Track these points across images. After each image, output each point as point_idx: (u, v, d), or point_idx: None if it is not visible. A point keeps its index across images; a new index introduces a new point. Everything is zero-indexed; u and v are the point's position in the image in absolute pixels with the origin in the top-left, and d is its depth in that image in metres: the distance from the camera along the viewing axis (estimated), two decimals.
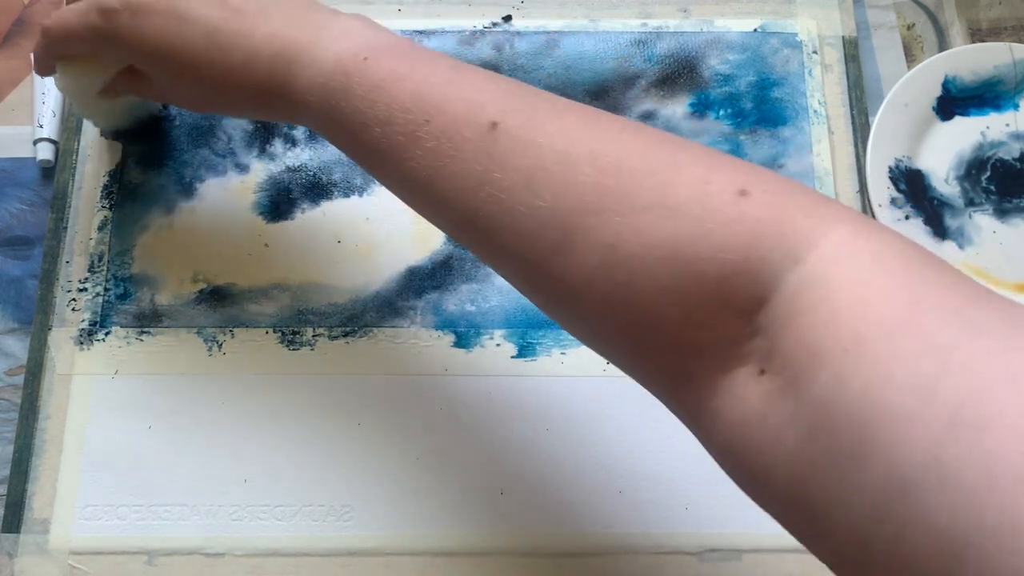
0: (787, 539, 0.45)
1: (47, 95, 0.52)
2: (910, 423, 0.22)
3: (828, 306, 0.25)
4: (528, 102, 0.33)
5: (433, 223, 0.36)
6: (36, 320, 0.48)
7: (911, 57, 0.55)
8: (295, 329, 0.47)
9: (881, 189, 0.50)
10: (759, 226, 0.27)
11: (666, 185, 0.29)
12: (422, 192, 0.34)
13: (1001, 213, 0.50)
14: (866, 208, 0.50)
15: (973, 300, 0.24)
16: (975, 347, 0.22)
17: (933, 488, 0.21)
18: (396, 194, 0.36)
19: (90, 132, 0.51)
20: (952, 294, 0.24)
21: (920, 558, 0.21)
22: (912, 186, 0.50)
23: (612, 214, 0.29)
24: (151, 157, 0.51)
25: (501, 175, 0.31)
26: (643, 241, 0.28)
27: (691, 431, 0.32)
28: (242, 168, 0.51)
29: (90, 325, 0.47)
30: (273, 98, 0.37)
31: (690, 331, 0.28)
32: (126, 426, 0.46)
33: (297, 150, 0.51)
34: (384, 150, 0.34)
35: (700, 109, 0.52)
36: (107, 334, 0.47)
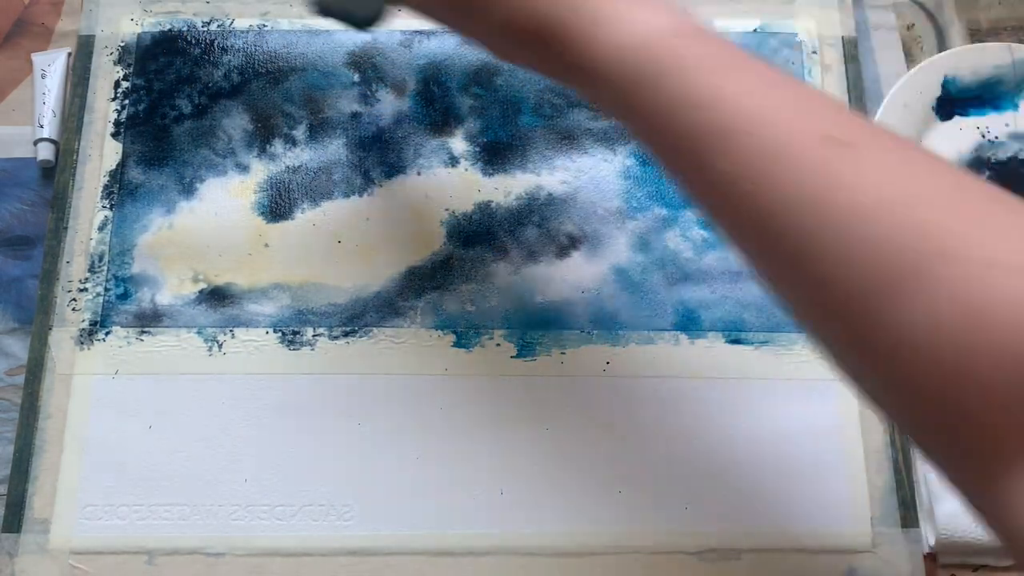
0: (788, 539, 0.45)
1: (47, 95, 0.52)
2: None
3: None
4: (867, 122, 0.30)
5: (728, 234, 0.31)
6: (36, 320, 0.48)
7: (911, 57, 0.55)
8: (295, 329, 0.47)
9: None
10: None
11: (1016, 238, 0.26)
12: (725, 194, 0.30)
13: None
14: None
15: None
16: None
17: None
18: (688, 191, 0.32)
19: (90, 132, 0.51)
20: None
21: None
22: None
23: (965, 262, 0.26)
24: (151, 157, 0.51)
25: (834, 195, 0.28)
26: (998, 296, 0.25)
27: (978, 509, 0.28)
28: (242, 168, 0.51)
29: (90, 325, 0.47)
30: (554, 46, 0.33)
31: (1018, 400, 0.25)
32: (126, 426, 0.46)
33: (297, 150, 0.51)
34: (689, 139, 0.30)
35: None
36: (107, 334, 0.47)
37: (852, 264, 0.27)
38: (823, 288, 0.28)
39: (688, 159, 0.31)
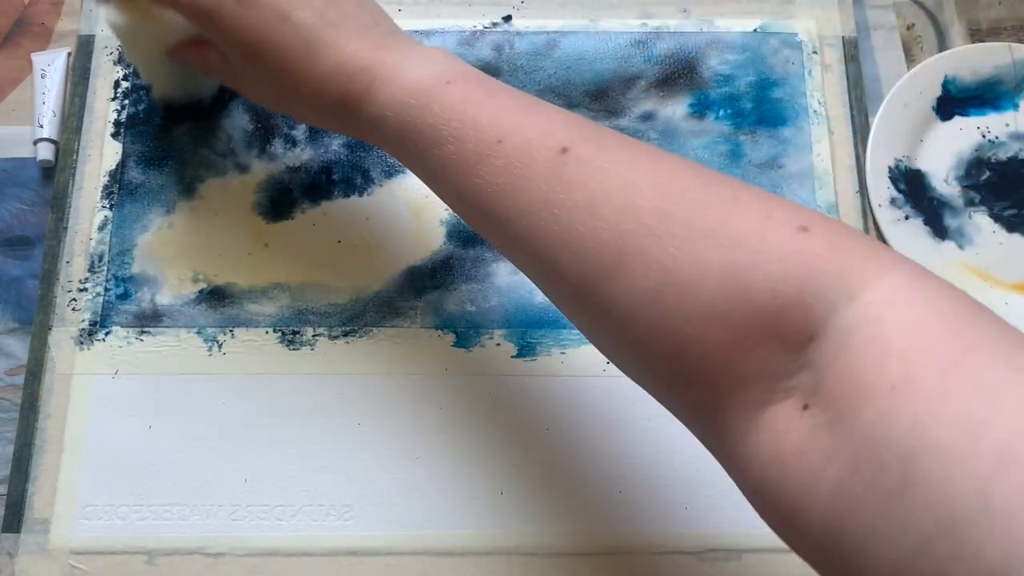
0: None
1: (47, 95, 0.52)
2: (959, 459, 0.22)
3: (879, 345, 0.26)
4: (597, 133, 0.34)
5: (490, 239, 0.37)
6: (36, 320, 0.48)
7: (911, 57, 0.55)
8: (295, 329, 0.47)
9: (881, 189, 0.50)
10: (817, 262, 0.28)
11: (727, 215, 0.30)
12: (485, 208, 0.35)
13: (1000, 213, 0.50)
14: (866, 208, 0.50)
15: (1023, 347, 0.25)
16: None
17: (981, 524, 0.21)
18: (457, 209, 0.38)
19: (90, 132, 0.51)
20: (1003, 340, 0.25)
21: None
22: (912, 186, 0.50)
23: (670, 238, 0.30)
24: (151, 157, 0.51)
25: (565, 196, 0.32)
26: (699, 267, 0.29)
27: (723, 465, 0.32)
28: (242, 168, 0.51)
29: (90, 325, 0.47)
30: (348, 110, 0.38)
31: (737, 361, 0.29)
32: (126, 426, 0.46)
33: (297, 150, 0.51)
34: (453, 164, 0.35)
35: (700, 109, 0.52)
36: (107, 334, 0.47)
37: (578, 251, 0.32)
38: (560, 277, 0.33)
39: (453, 184, 0.36)
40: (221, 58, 0.42)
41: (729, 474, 0.31)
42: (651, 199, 0.31)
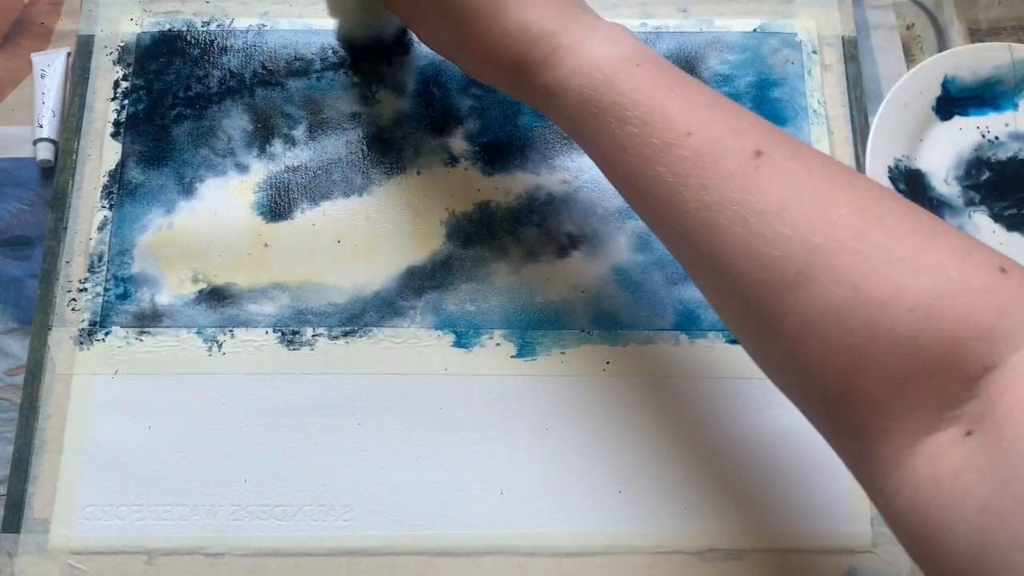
0: (788, 539, 0.45)
1: (47, 95, 0.52)
2: None
3: None
4: (792, 141, 0.34)
5: (656, 230, 0.36)
6: (36, 320, 0.48)
7: (911, 57, 0.55)
8: (295, 329, 0.47)
9: None
10: (1012, 302, 0.28)
11: (926, 245, 0.29)
12: (662, 198, 0.34)
13: (1000, 213, 0.50)
14: None
15: None
16: None
17: None
18: (626, 193, 0.37)
19: (90, 132, 0.51)
20: None
21: None
22: (912, 186, 0.50)
23: (865, 258, 0.29)
24: (151, 157, 0.51)
25: (755, 199, 0.31)
26: (892, 291, 0.29)
27: (868, 488, 0.32)
28: (242, 168, 0.51)
29: (90, 325, 0.47)
30: (525, 74, 0.38)
31: (912, 386, 0.29)
32: (126, 426, 0.46)
33: (297, 150, 0.51)
34: (635, 148, 0.34)
35: None
36: (107, 334, 0.47)
37: (760, 258, 0.31)
38: (734, 281, 0.32)
39: (629, 169, 0.35)
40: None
41: (872, 497, 0.31)
42: (847, 216, 0.30)
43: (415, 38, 0.52)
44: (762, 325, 0.32)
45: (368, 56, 0.52)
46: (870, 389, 0.29)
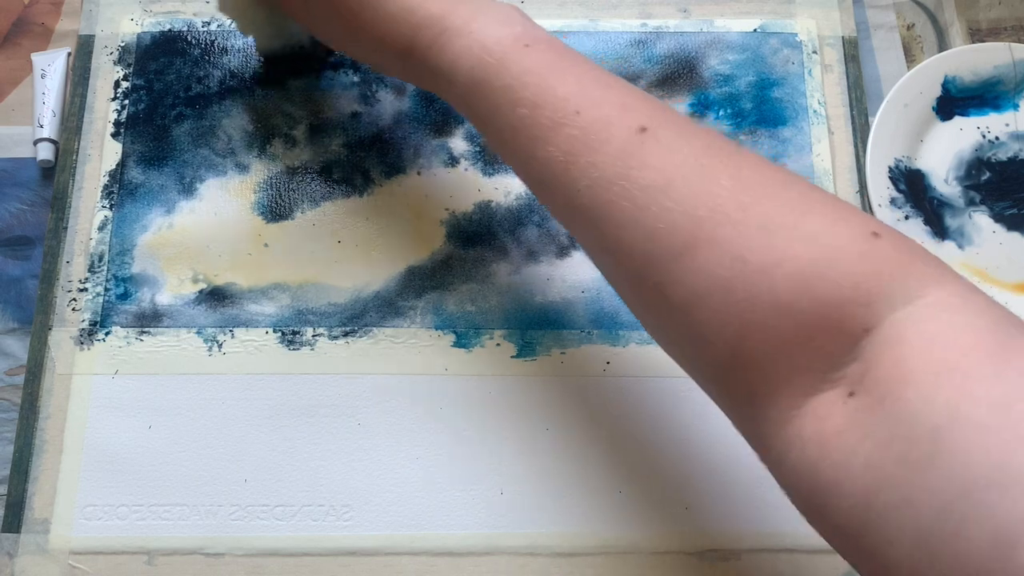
0: (787, 539, 0.45)
1: (47, 95, 0.52)
2: (984, 432, 0.24)
3: (929, 340, 0.28)
4: (675, 115, 0.34)
5: (551, 208, 0.37)
6: (36, 320, 0.48)
7: (911, 57, 0.55)
8: (295, 329, 0.47)
9: (881, 189, 0.50)
10: (886, 264, 0.29)
11: (804, 213, 0.31)
12: (553, 176, 0.35)
13: (1001, 213, 0.50)
14: (866, 208, 0.50)
15: None
16: None
17: (998, 489, 0.23)
18: (522, 175, 0.38)
19: (90, 132, 0.51)
20: None
21: (975, 550, 0.23)
22: (912, 186, 0.50)
23: (746, 228, 0.30)
24: (151, 157, 0.51)
25: (640, 174, 0.32)
26: (772, 258, 0.30)
27: (759, 452, 0.33)
28: (242, 168, 0.51)
29: (90, 325, 0.47)
30: (415, 58, 0.39)
31: (796, 350, 0.30)
32: (126, 426, 0.46)
33: (297, 150, 0.51)
34: (526, 129, 0.35)
35: (700, 109, 0.52)
36: (107, 334, 0.47)
37: (647, 231, 0.32)
38: (624, 254, 0.33)
39: (521, 149, 0.36)
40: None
41: (764, 459, 0.32)
42: (729, 188, 0.31)
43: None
44: (653, 297, 0.33)
45: (288, 67, 0.52)
46: (756, 354, 0.30)
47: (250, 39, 0.52)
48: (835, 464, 0.28)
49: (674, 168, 0.32)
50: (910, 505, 0.25)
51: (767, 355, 0.30)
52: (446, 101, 0.40)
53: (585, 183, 0.33)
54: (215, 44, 0.53)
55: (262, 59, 0.52)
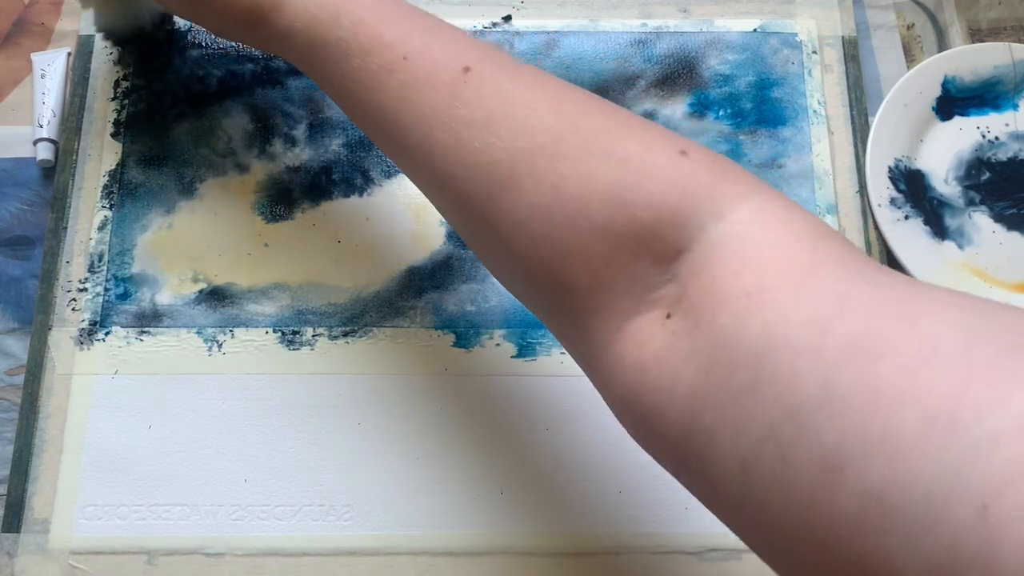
0: None
1: (47, 95, 0.52)
2: (805, 354, 0.24)
3: (739, 258, 0.28)
4: (500, 55, 0.36)
5: (389, 155, 0.38)
6: (36, 320, 0.48)
7: (911, 57, 0.55)
8: (295, 329, 0.47)
9: (881, 189, 0.50)
10: (692, 183, 0.30)
11: (617, 140, 0.32)
12: (386, 122, 0.36)
13: (1001, 213, 0.50)
14: (866, 208, 0.50)
15: (871, 264, 0.27)
16: (872, 296, 0.25)
17: (822, 411, 0.23)
18: (362, 126, 0.39)
19: (90, 132, 0.51)
20: (850, 257, 0.27)
21: (803, 474, 0.23)
22: (912, 186, 0.50)
23: (562, 158, 0.31)
24: (151, 157, 0.51)
25: (464, 112, 0.33)
26: (587, 185, 0.31)
27: (590, 377, 0.34)
28: (242, 168, 0.51)
29: (90, 325, 0.47)
30: (256, 21, 0.40)
31: (612, 272, 0.30)
32: (126, 426, 0.46)
33: (297, 150, 0.51)
34: (360, 79, 0.36)
35: (700, 109, 0.52)
36: (107, 334, 0.47)
37: (472, 167, 0.33)
38: (453, 191, 0.34)
39: (355, 96, 0.37)
40: None
41: (595, 385, 0.33)
42: (548, 121, 0.32)
43: (178, 22, 0.53)
44: (479, 228, 0.34)
45: (134, 45, 0.53)
46: (576, 277, 0.31)
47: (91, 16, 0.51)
48: (657, 388, 0.29)
49: (496, 104, 0.33)
50: (734, 430, 0.25)
51: (585, 279, 0.31)
52: (291, 62, 0.41)
53: (412, 124, 0.35)
54: (215, 44, 0.53)
55: (104, 39, 0.52)
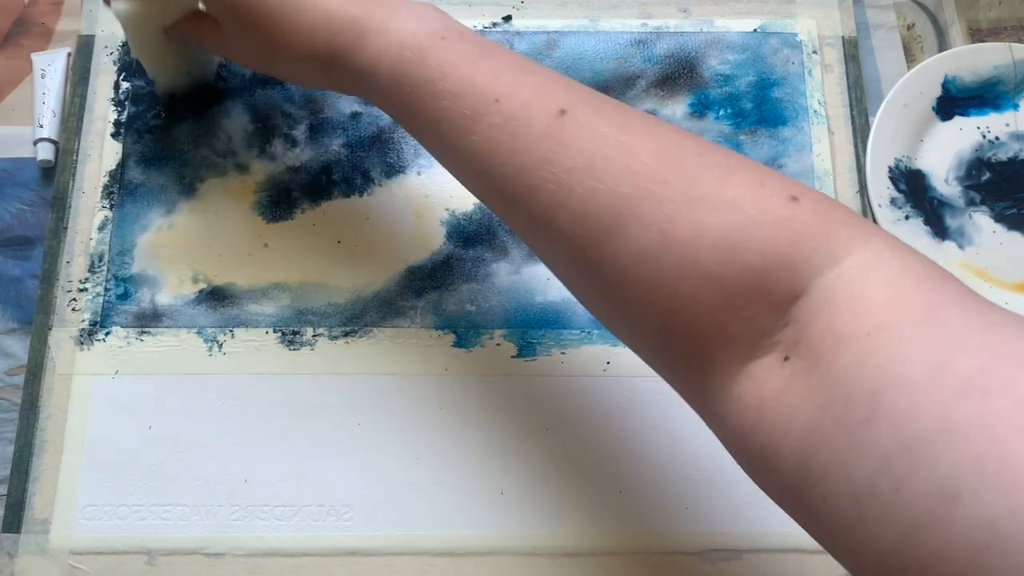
0: (788, 539, 0.45)
1: (47, 95, 0.52)
2: (923, 390, 0.25)
3: (859, 300, 0.28)
4: (594, 96, 0.35)
5: (482, 198, 0.38)
6: (36, 320, 0.48)
7: (911, 57, 0.55)
8: (295, 329, 0.47)
9: (881, 189, 0.50)
10: (806, 229, 0.30)
11: (722, 181, 0.31)
12: (479, 166, 0.35)
13: (1001, 213, 0.50)
14: (866, 208, 0.50)
15: (987, 305, 0.27)
16: (989, 335, 0.25)
17: (938, 442, 0.23)
18: (449, 167, 0.38)
19: (90, 132, 0.51)
20: (968, 299, 0.27)
21: (917, 505, 0.24)
22: (912, 186, 0.50)
23: (668, 202, 0.31)
24: (151, 157, 0.51)
25: (563, 157, 0.33)
26: (695, 229, 0.30)
27: (703, 417, 0.33)
28: (242, 168, 0.51)
29: (90, 325, 0.47)
30: (336, 62, 0.39)
31: (727, 319, 0.30)
32: (126, 426, 0.46)
33: (297, 150, 0.51)
34: (448, 120, 0.36)
35: (700, 109, 0.52)
36: (107, 334, 0.47)
37: (575, 213, 0.32)
38: (556, 237, 0.33)
39: (446, 139, 0.36)
40: (213, 24, 0.43)
41: (709, 425, 0.33)
42: (650, 164, 0.32)
43: (232, 69, 0.52)
44: (586, 276, 0.34)
45: (190, 104, 0.52)
46: (689, 325, 0.31)
47: (152, 80, 0.51)
48: (774, 426, 0.29)
49: (595, 148, 0.32)
50: (848, 463, 0.26)
51: (699, 326, 0.31)
52: (372, 102, 0.40)
53: (510, 169, 0.34)
54: None
55: (164, 99, 0.52)
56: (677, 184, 0.31)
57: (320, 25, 0.39)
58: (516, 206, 0.35)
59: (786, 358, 0.29)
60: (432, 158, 0.51)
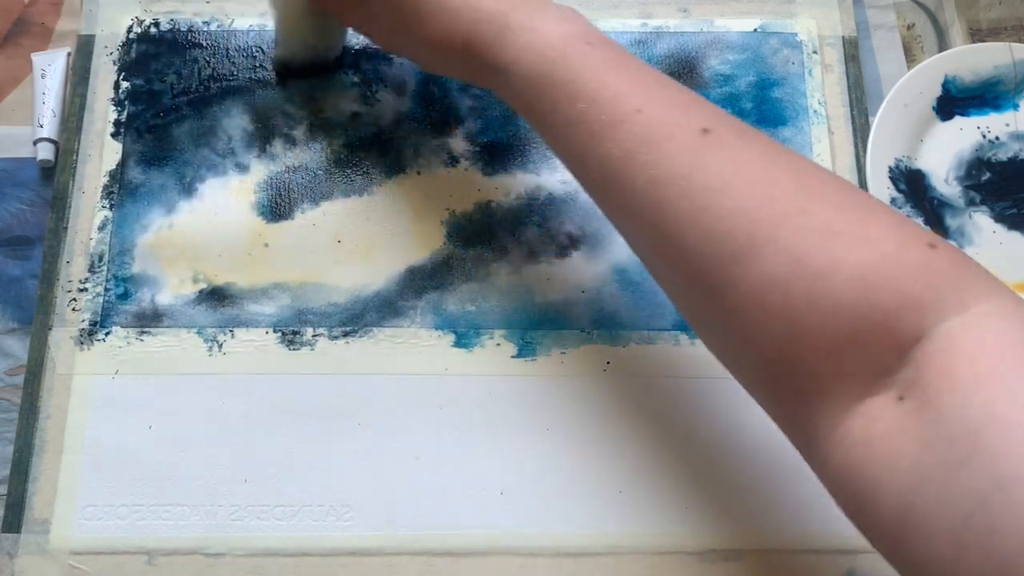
0: (787, 539, 0.45)
1: (47, 95, 0.52)
2: (1016, 428, 0.25)
3: (976, 345, 0.28)
4: (736, 120, 0.35)
5: (604, 206, 0.37)
6: (36, 320, 0.48)
7: (911, 57, 0.55)
8: (295, 329, 0.47)
9: (881, 189, 0.50)
10: (941, 275, 0.30)
11: (863, 218, 0.31)
12: (611, 173, 0.35)
13: (1001, 213, 0.50)
14: None
15: None
16: None
17: None
18: (575, 171, 0.38)
19: (90, 132, 0.51)
20: None
21: (1009, 545, 0.24)
22: (912, 186, 0.50)
23: (807, 232, 0.31)
24: (151, 157, 0.51)
25: (702, 175, 0.32)
26: (831, 262, 0.30)
27: (801, 450, 0.33)
28: (242, 168, 0.51)
29: (90, 325, 0.47)
30: (476, 54, 0.39)
31: (848, 353, 0.30)
32: (126, 426, 0.46)
33: (297, 150, 0.51)
34: (585, 124, 0.35)
35: None
36: (107, 334, 0.47)
37: (706, 232, 0.32)
38: (682, 255, 0.33)
39: (579, 143, 0.36)
40: (360, 1, 0.43)
41: (806, 458, 0.33)
42: (790, 192, 0.32)
43: (350, 52, 0.52)
44: (706, 296, 0.33)
45: (300, 76, 0.52)
46: (807, 356, 0.31)
47: (267, 45, 0.51)
48: (880, 465, 0.29)
49: (736, 170, 0.32)
50: (947, 502, 0.26)
51: (818, 357, 0.30)
52: (502, 98, 0.40)
53: (643, 180, 0.33)
54: (215, 44, 0.53)
55: (278, 65, 0.52)
56: (817, 216, 0.31)
57: (464, 13, 0.38)
58: (642, 219, 0.34)
59: (901, 398, 0.29)
60: (432, 158, 0.51)
